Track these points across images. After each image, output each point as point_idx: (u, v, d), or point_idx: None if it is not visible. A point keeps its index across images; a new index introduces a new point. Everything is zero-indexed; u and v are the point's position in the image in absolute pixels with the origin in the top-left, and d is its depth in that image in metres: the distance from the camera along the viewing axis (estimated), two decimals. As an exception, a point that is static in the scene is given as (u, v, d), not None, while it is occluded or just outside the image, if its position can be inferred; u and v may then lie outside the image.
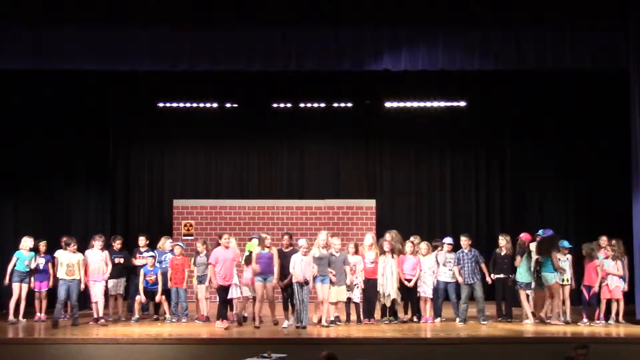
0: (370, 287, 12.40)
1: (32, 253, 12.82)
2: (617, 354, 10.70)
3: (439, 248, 12.84)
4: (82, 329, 11.88)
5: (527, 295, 12.68)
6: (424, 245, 12.79)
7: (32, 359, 10.71)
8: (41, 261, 12.88)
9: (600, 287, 12.46)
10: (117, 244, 13.15)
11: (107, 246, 12.89)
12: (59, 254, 12.39)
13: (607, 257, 12.47)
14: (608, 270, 12.40)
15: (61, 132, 15.00)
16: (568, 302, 12.63)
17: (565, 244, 12.78)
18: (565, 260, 12.66)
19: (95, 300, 12.35)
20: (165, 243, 13.42)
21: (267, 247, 12.12)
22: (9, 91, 13.23)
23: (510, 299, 12.89)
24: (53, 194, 15.14)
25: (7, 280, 12.69)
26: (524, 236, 12.86)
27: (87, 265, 12.32)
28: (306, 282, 11.75)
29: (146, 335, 11.23)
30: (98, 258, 12.46)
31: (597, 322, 12.36)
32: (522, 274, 12.57)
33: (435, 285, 12.66)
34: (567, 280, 12.59)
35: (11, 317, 12.61)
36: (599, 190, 15.25)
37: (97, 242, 12.51)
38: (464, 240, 12.71)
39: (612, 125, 14.69)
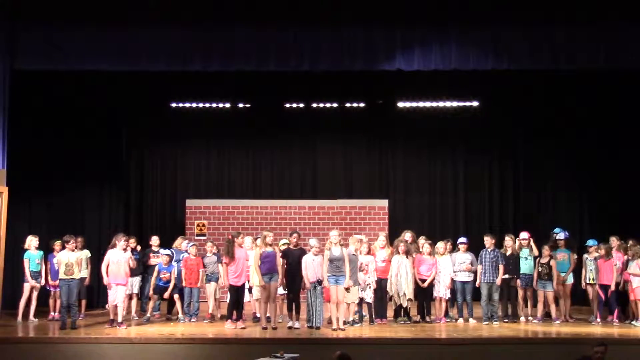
0: (382, 287, 12.39)
1: (41, 252, 12.86)
2: (633, 354, 10.62)
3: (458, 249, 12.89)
4: (96, 328, 11.93)
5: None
6: (441, 245, 12.79)
7: (46, 358, 10.77)
8: (56, 260, 12.93)
9: (619, 286, 12.46)
10: (131, 244, 13.20)
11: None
12: (59, 254, 12.30)
13: (630, 258, 12.34)
14: (629, 271, 12.29)
15: (75, 131, 15.10)
16: (595, 303, 12.67)
17: (590, 242, 12.82)
18: (592, 260, 12.67)
19: (115, 303, 11.96)
20: (182, 243, 13.47)
21: (269, 244, 11.91)
22: (22, 91, 13.30)
23: (514, 299, 12.87)
24: (67, 194, 15.25)
25: (33, 281, 12.69)
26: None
27: (108, 265, 11.97)
28: (319, 282, 11.74)
29: (159, 335, 11.27)
30: (121, 258, 12.05)
31: (615, 321, 12.37)
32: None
33: (453, 285, 12.67)
34: (593, 280, 12.64)
35: (19, 318, 12.66)
36: (613, 190, 15.21)
37: (121, 242, 12.13)
38: (488, 240, 12.65)
39: (626, 125, 14.65)
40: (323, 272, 11.67)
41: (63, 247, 12.37)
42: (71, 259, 12.08)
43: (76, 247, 12.38)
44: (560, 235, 13.06)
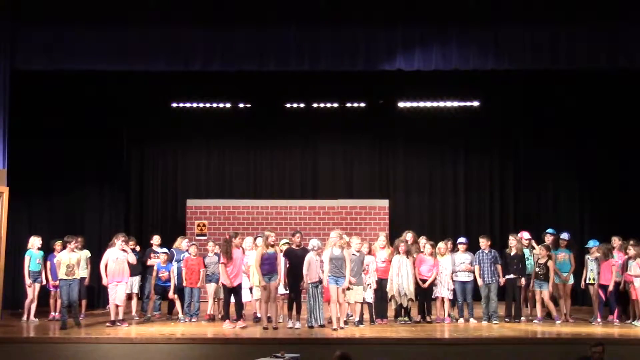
0: (383, 287, 12.38)
1: (42, 252, 12.86)
2: (633, 354, 10.60)
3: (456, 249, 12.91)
4: (97, 328, 11.93)
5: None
6: (442, 245, 12.79)
7: (47, 358, 10.77)
8: (56, 260, 12.91)
9: (620, 286, 12.43)
10: (130, 244, 13.19)
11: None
12: (60, 254, 12.30)
13: (631, 258, 12.28)
14: (629, 272, 12.25)
15: (75, 131, 15.09)
16: (596, 303, 12.68)
17: (591, 243, 12.84)
18: (593, 260, 12.70)
19: (115, 302, 11.99)
20: (182, 243, 13.47)
21: (271, 245, 11.90)
22: (22, 91, 13.31)
23: (519, 299, 12.85)
24: (67, 194, 15.23)
25: (30, 281, 12.69)
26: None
27: (107, 265, 11.98)
28: (320, 282, 11.73)
29: (160, 335, 11.26)
30: (120, 256, 12.06)
31: (616, 321, 12.37)
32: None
33: (453, 286, 12.68)
34: (594, 280, 12.68)
35: (25, 317, 12.67)
36: (613, 190, 15.19)
37: (119, 241, 12.13)
38: (483, 242, 12.69)
39: (626, 125, 14.64)
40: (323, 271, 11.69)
41: (64, 247, 12.37)
42: (72, 260, 12.09)
43: (76, 247, 12.39)
44: (564, 235, 13.07)
